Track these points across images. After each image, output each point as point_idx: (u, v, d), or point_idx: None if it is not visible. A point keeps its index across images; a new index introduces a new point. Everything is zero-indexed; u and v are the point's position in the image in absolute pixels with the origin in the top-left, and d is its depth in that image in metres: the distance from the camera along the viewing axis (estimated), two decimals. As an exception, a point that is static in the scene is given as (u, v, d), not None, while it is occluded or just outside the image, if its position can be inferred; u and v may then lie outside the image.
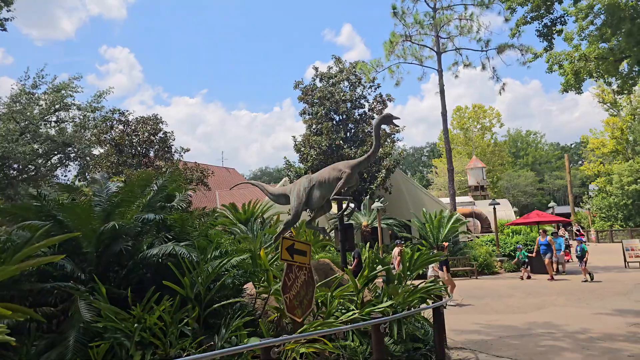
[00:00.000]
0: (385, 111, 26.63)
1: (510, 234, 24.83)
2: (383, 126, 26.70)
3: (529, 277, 18.24)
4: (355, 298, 7.54)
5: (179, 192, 8.01)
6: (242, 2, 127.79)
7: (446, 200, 28.85)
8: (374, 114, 26.62)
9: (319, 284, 8.06)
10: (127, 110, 24.09)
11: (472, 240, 25.14)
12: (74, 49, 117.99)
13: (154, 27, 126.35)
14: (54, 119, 26.90)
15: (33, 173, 25.78)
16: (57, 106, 25.87)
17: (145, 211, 6.81)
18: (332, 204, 9.39)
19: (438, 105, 25.38)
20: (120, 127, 23.01)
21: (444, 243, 18.24)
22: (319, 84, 26.34)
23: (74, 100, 26.95)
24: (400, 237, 23.05)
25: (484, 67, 24.56)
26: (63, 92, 26.09)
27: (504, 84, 24.68)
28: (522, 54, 22.35)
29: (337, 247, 10.98)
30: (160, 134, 23.16)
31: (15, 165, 24.36)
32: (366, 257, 8.07)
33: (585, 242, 19.05)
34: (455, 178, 44.71)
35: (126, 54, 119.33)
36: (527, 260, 18.77)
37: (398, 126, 8.88)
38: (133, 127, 22.62)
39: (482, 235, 28.03)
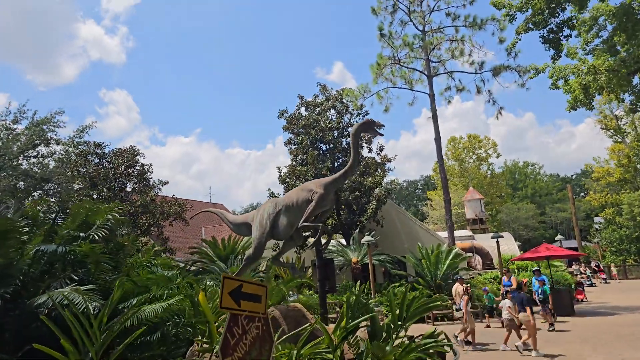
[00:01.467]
0: (375, 141, 25.48)
1: (517, 270, 23.18)
2: (365, 144, 26.03)
3: (489, 326, 15.64)
4: (332, 357, 5.89)
5: (99, 218, 6.44)
6: (234, 42, 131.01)
7: (444, 234, 27.27)
8: (363, 143, 25.51)
9: (284, 337, 6.40)
10: (104, 143, 22.93)
11: (473, 277, 23.41)
12: (75, 93, 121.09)
13: (151, 70, 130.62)
14: (34, 154, 25.72)
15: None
16: (37, 141, 24.76)
17: (45, 243, 5.24)
18: (302, 234, 7.85)
19: (431, 139, 24.31)
20: (97, 160, 21.83)
21: (522, 280, 15.82)
22: (304, 113, 25.31)
23: (56, 134, 25.96)
24: (395, 274, 21.30)
25: (479, 91, 23.73)
26: (44, 127, 25.12)
27: (501, 107, 23.77)
28: (520, 75, 21.56)
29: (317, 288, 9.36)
30: (138, 167, 21.91)
31: None
32: (345, 301, 6.45)
33: (545, 282, 15.81)
34: (452, 211, 43.35)
35: (124, 96, 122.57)
36: (493, 305, 16.17)
37: (381, 134, 7.51)
38: (109, 160, 21.45)
39: (484, 272, 26.30)
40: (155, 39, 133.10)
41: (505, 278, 16.30)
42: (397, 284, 20.12)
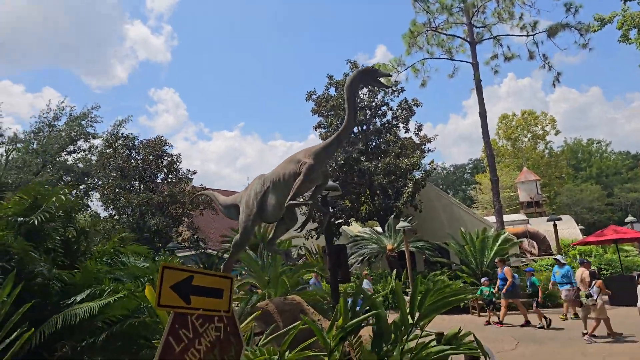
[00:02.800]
0: (419, 130, 23.87)
1: (578, 256, 20.93)
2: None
3: (489, 322, 14.04)
4: (326, 362, 4.88)
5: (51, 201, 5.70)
6: (274, 34, 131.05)
7: (493, 219, 25.30)
8: (399, 123, 24.01)
9: (273, 335, 5.44)
10: (132, 134, 23.08)
11: (527, 264, 21.42)
12: (127, 94, 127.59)
13: (195, 66, 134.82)
14: (74, 149, 26.49)
15: None
16: (75, 136, 25.43)
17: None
18: (296, 215, 6.81)
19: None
20: (127, 152, 22.00)
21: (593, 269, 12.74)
22: (333, 94, 24.12)
23: (94, 130, 26.60)
24: (435, 262, 19.84)
25: (531, 56, 21.43)
26: (83, 122, 25.76)
27: (558, 73, 21.33)
28: (581, 34, 19.09)
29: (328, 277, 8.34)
30: (167, 158, 21.85)
31: None
32: (342, 294, 5.36)
33: (533, 273, 13.97)
34: (504, 194, 40.68)
35: (172, 94, 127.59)
36: (493, 299, 14.13)
37: (387, 86, 6.25)
38: (138, 151, 21.55)
39: (540, 259, 24.10)
40: (197, 35, 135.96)
41: (499, 270, 14.11)
42: (439, 272, 18.71)
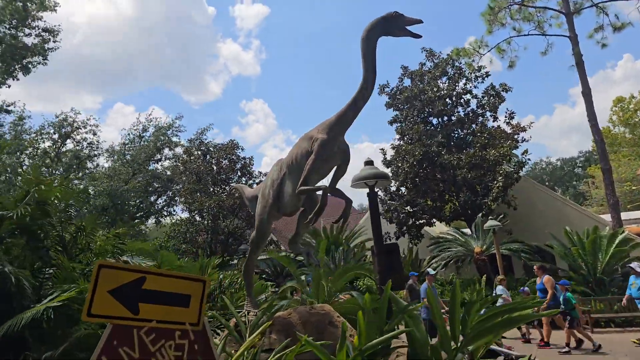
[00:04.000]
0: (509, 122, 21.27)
1: None
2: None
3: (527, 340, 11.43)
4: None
5: (50, 196, 5.18)
6: (355, 38, 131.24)
7: (608, 217, 21.45)
8: (486, 112, 21.53)
9: (284, 352, 4.33)
10: (207, 139, 23.72)
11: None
12: (221, 107, 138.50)
13: (282, 76, 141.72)
14: (159, 157, 28.10)
15: (146, 211, 26.79)
16: (160, 145, 26.98)
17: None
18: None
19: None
20: (202, 156, 22.65)
21: None
22: (408, 84, 22.43)
23: (179, 139, 28.05)
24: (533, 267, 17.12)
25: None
26: (168, 132, 27.30)
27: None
28: None
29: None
30: (240, 161, 22.04)
31: (132, 203, 25.31)
32: (363, 308, 4.05)
33: (568, 288, 10.84)
34: (623, 188, 35.03)
35: (261, 104, 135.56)
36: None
37: (418, 35, 4.86)
38: (212, 155, 22.06)
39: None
40: (283, 46, 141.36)
41: (537, 279, 11.70)
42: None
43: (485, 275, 16.33)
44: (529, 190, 20.49)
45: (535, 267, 12.46)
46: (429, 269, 10.75)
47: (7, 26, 12.94)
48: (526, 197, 19.90)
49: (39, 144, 23.10)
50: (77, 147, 23.92)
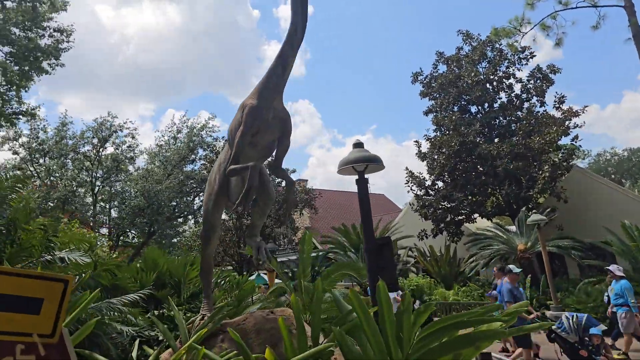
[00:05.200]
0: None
1: None
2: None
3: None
4: None
5: None
6: (400, 35, 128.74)
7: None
8: (532, 96, 19.70)
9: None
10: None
11: None
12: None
13: (327, 76, 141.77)
14: (194, 158, 28.33)
15: (184, 211, 27.17)
16: (192, 146, 27.20)
17: None
18: (271, 193, 4.88)
19: None
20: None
21: None
22: (443, 71, 21.00)
23: (213, 139, 28.18)
24: (592, 266, 15.31)
25: None
26: (202, 133, 27.49)
27: None
28: None
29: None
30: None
31: (168, 204, 25.81)
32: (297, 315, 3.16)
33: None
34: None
35: (307, 105, 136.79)
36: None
37: None
38: None
39: None
40: (326, 45, 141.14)
41: (497, 280, 10.26)
42: (594, 279, 14.31)
43: (529, 275, 14.80)
44: (582, 181, 18.46)
45: (495, 268, 11.18)
46: (511, 266, 9.14)
47: (21, 27, 13.26)
48: (579, 188, 17.92)
49: (79, 148, 24.05)
50: (117, 151, 24.69)
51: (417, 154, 20.67)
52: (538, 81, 19.66)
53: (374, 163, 5.90)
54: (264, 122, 4.26)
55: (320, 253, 20.00)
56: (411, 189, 20.47)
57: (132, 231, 26.05)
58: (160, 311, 6.23)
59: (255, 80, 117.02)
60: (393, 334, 2.58)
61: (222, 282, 7.33)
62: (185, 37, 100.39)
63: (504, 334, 2.50)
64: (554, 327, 8.06)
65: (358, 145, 6.12)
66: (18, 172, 23.26)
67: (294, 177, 23.63)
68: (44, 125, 23.59)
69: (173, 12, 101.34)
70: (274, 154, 4.71)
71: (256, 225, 5.26)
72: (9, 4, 13.11)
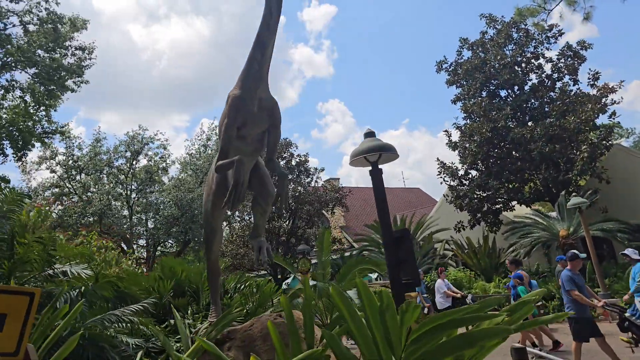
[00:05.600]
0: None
1: None
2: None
3: None
4: None
5: None
6: (427, 25, 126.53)
7: None
8: (564, 75, 18.70)
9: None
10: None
11: None
12: (299, 112, 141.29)
13: (356, 73, 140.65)
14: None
15: None
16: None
17: None
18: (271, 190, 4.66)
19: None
20: None
21: None
22: (468, 56, 20.24)
23: None
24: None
25: None
26: None
27: None
28: None
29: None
30: (295, 158, 21.53)
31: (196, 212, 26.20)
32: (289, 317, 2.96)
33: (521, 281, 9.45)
34: None
35: (337, 104, 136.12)
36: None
37: None
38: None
39: None
40: (353, 43, 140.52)
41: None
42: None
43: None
44: (625, 160, 17.38)
45: (507, 261, 11.02)
46: (575, 251, 8.43)
47: (44, 49, 13.74)
48: (622, 168, 16.87)
49: (113, 162, 24.76)
50: (150, 162, 25.27)
51: (447, 143, 20.02)
52: (569, 59, 18.66)
53: (387, 152, 5.61)
54: (250, 113, 4.06)
55: (355, 252, 19.71)
56: (444, 180, 19.86)
57: (170, 241, 26.59)
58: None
59: (284, 84, 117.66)
60: (382, 337, 2.30)
61: (242, 286, 7.17)
62: (214, 48, 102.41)
63: (508, 331, 2.17)
64: (627, 314, 7.76)
65: (369, 134, 5.85)
66: (56, 189, 24.26)
67: (323, 176, 23.47)
68: (79, 143, 24.58)
69: (200, 25, 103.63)
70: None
71: (258, 224, 5.06)
72: (31, 27, 13.67)
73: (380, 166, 5.82)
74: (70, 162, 24.39)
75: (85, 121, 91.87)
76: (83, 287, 4.46)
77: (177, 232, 23.39)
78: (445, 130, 20.71)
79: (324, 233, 5.97)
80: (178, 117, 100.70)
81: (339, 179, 30.99)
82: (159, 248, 26.49)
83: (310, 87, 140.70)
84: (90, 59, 15.47)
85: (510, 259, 10.43)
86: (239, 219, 22.06)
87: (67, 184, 24.58)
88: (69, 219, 20.75)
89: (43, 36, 13.37)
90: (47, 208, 8.02)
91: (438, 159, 20.01)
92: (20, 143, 13.30)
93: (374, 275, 18.20)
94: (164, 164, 25.93)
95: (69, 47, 14.66)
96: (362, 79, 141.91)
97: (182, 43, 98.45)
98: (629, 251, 8.88)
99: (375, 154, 5.64)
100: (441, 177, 19.88)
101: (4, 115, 13.44)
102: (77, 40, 14.98)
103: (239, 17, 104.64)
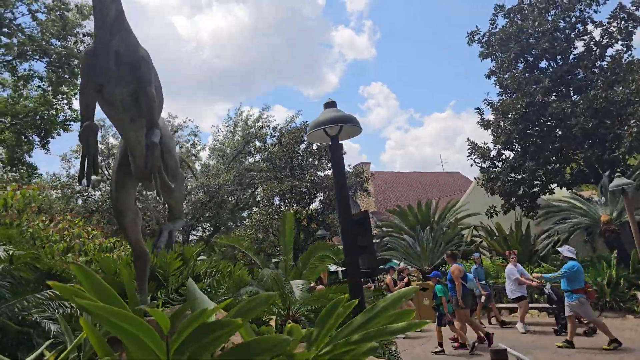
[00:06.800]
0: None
1: None
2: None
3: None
4: None
5: None
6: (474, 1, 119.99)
7: None
8: (616, 41, 16.74)
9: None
10: (278, 124, 23.34)
11: None
12: (340, 97, 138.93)
13: (399, 55, 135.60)
14: (251, 150, 28.68)
15: (247, 203, 27.83)
16: (249, 139, 27.56)
17: None
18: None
19: None
20: (277, 143, 22.27)
21: None
22: (502, 24, 18.60)
23: (270, 128, 28.33)
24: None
25: None
26: (259, 123, 27.78)
27: None
28: None
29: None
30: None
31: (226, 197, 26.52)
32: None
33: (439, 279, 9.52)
34: None
35: (380, 87, 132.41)
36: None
37: None
38: (281, 141, 21.36)
39: None
40: (396, 23, 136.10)
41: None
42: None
43: (616, 250, 12.58)
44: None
45: (445, 254, 11.21)
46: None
47: (56, 37, 14.03)
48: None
49: (146, 149, 25.30)
50: (181, 150, 25.71)
51: (479, 122, 18.67)
52: (622, 22, 16.62)
53: (348, 124, 4.96)
54: (106, 71, 3.55)
55: (377, 239, 19.00)
56: (474, 162, 18.59)
57: (203, 225, 27.09)
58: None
59: (325, 68, 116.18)
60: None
61: (214, 271, 6.81)
62: (254, 34, 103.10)
63: (288, 342, 1.56)
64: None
65: (330, 104, 5.21)
66: (94, 177, 25.30)
67: (352, 160, 22.79)
68: (115, 132, 25.37)
69: (240, 12, 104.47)
70: None
71: (170, 205, 4.59)
72: (40, 16, 14.02)
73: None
74: (106, 150, 25.30)
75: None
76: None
77: (207, 217, 23.73)
78: (477, 108, 19.29)
79: (285, 216, 5.46)
80: (221, 105, 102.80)
81: (369, 163, 30.13)
82: (192, 233, 27.07)
83: (351, 70, 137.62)
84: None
85: (449, 252, 10.37)
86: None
87: (104, 171, 25.53)
88: (104, 204, 21.54)
89: (52, 24, 13.71)
90: (36, 192, 7.97)
91: (468, 139, 18.74)
92: (44, 132, 13.79)
93: (399, 262, 17.44)
94: (195, 151, 26.34)
95: (77, 34, 14.96)
96: (406, 60, 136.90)
97: (223, 31, 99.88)
98: (563, 249, 9.05)
99: (336, 126, 5.00)
100: (471, 159, 18.62)
101: (29, 105, 13.98)
102: (84, 27, 15.29)
103: (278, 1, 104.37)
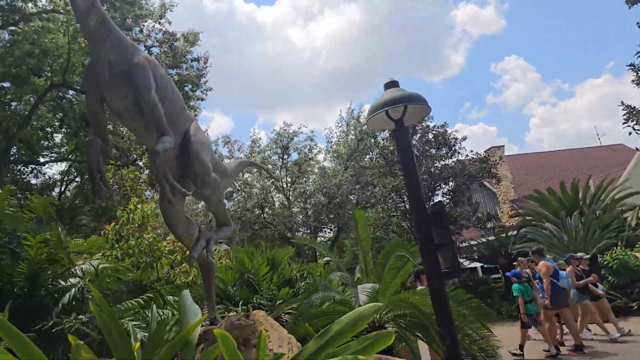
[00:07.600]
0: None
1: None
2: None
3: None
4: None
5: None
6: None
7: None
8: None
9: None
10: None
11: None
12: (467, 78, 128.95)
13: (537, 20, 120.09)
14: (364, 148, 28.37)
15: (368, 201, 27.84)
16: (361, 136, 27.33)
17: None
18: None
19: None
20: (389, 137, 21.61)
21: None
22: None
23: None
24: None
25: None
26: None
27: None
28: None
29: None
30: (431, 131, 19.73)
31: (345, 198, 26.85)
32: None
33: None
34: None
35: (514, 60, 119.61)
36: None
37: None
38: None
39: None
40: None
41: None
42: None
43: None
44: None
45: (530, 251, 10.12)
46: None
47: (170, 66, 15.51)
48: None
49: (267, 159, 26.79)
50: (300, 155, 26.57)
51: (634, 80, 15.45)
52: None
53: (414, 103, 4.20)
54: (103, 83, 3.43)
55: (514, 231, 16.94)
56: (633, 129, 15.40)
57: (328, 226, 27.57)
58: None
59: (447, 50, 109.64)
60: None
61: (305, 275, 6.53)
62: (366, 31, 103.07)
63: None
64: None
65: (391, 84, 4.47)
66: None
67: (491, 143, 20.75)
68: (240, 145, 27.46)
69: (351, 11, 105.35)
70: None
71: (212, 212, 4.31)
72: (154, 50, 15.73)
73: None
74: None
75: (264, 125, 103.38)
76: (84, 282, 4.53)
77: (328, 219, 23.98)
78: (631, 65, 15.90)
79: (355, 212, 4.85)
80: (342, 105, 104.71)
81: (502, 146, 27.22)
82: (320, 235, 27.65)
83: (478, 48, 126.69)
84: (205, 67, 17.10)
85: (534, 248, 9.43)
86: None
87: (234, 183, 27.73)
88: (235, 212, 23.44)
89: (165, 56, 15.32)
90: (152, 207, 8.74)
91: (622, 103, 15.57)
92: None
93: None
94: (312, 155, 26.96)
95: (187, 61, 16.49)
96: (543, 25, 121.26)
97: (336, 34, 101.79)
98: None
99: (399, 107, 4.26)
100: (629, 126, 15.44)
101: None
102: (192, 53, 16.81)
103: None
